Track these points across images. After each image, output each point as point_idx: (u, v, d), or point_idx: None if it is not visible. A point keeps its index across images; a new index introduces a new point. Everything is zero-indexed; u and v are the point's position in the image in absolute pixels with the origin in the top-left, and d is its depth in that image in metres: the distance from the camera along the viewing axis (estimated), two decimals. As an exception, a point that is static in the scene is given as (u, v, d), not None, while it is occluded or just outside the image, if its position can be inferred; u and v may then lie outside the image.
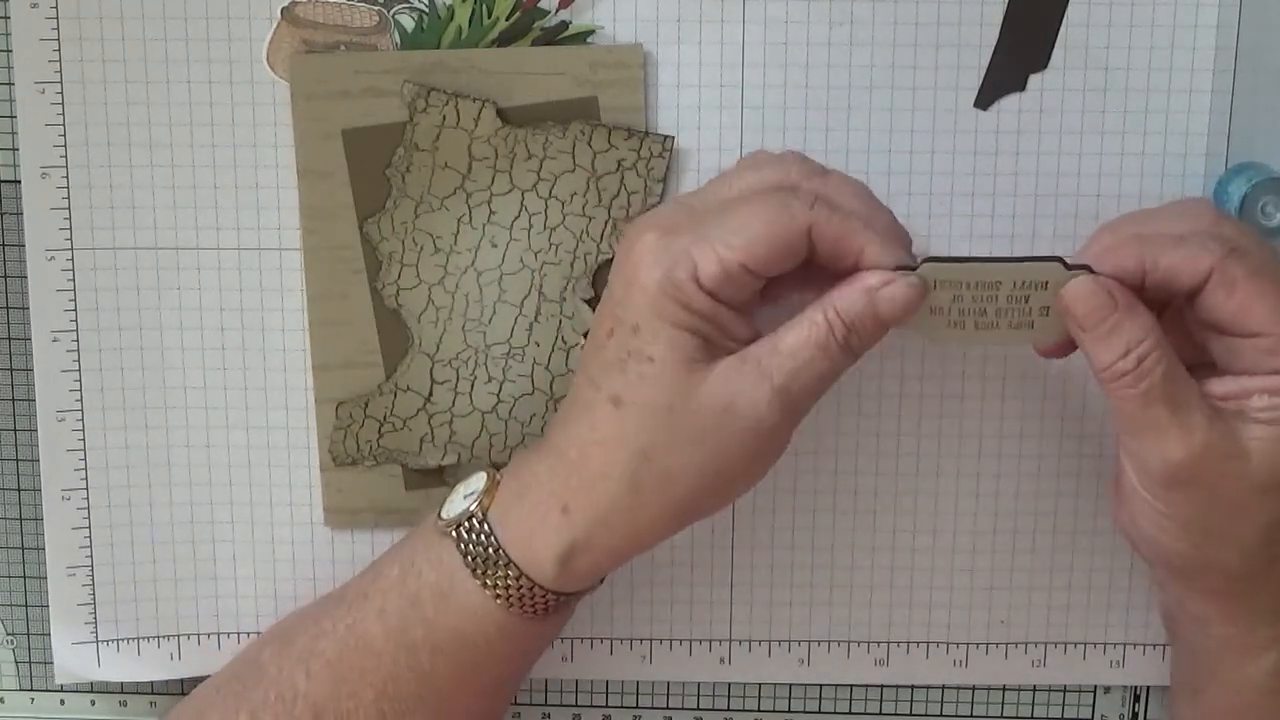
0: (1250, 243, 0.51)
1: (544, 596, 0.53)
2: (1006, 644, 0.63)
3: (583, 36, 0.58)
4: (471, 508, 0.54)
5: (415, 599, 0.54)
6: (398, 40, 0.58)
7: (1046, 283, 0.51)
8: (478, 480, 0.55)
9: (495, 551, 0.53)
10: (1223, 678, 0.56)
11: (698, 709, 0.65)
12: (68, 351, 0.61)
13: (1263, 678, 0.55)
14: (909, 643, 0.63)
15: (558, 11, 0.58)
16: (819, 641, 0.63)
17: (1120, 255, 0.51)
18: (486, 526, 0.53)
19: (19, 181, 0.60)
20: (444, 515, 0.55)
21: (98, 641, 0.63)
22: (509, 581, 0.53)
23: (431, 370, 0.60)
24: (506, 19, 0.58)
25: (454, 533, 0.54)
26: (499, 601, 0.53)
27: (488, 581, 0.53)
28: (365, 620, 0.55)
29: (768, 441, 0.51)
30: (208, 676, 0.61)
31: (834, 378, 0.51)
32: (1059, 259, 0.51)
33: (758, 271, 0.50)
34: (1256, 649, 0.54)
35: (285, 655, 0.56)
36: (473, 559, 0.53)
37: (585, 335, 0.60)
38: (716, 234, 0.50)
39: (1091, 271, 0.51)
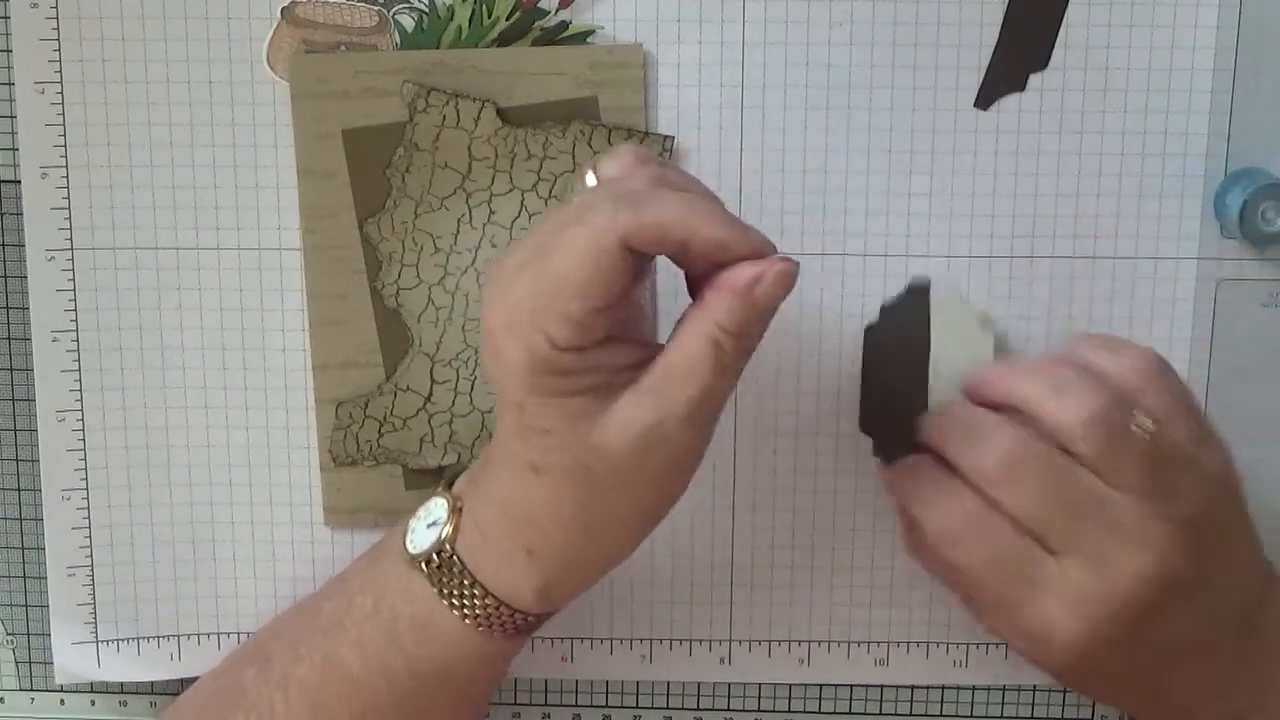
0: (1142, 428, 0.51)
1: (524, 618, 0.53)
2: (1007, 644, 0.63)
3: (583, 36, 0.58)
4: (442, 537, 0.52)
5: (392, 631, 0.53)
6: (398, 40, 0.58)
7: None
8: (438, 508, 0.53)
9: (470, 585, 0.52)
10: None
11: (698, 709, 0.65)
12: (68, 351, 0.61)
13: None
14: (909, 643, 0.63)
15: (558, 11, 0.58)
16: (819, 641, 0.63)
17: (999, 388, 0.54)
18: (457, 561, 0.52)
19: (19, 181, 0.60)
20: (411, 547, 0.53)
21: (98, 641, 0.63)
22: (488, 610, 0.52)
23: (431, 370, 0.60)
24: (506, 19, 0.58)
25: (424, 567, 0.53)
26: (480, 629, 0.53)
27: (465, 611, 0.52)
28: (341, 649, 0.54)
29: (692, 455, 0.50)
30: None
31: (738, 377, 0.50)
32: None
33: (608, 305, 0.47)
34: None
35: (265, 679, 0.55)
36: (448, 591, 0.52)
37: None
38: (548, 290, 0.47)
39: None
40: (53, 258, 0.60)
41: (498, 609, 0.52)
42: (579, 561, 0.52)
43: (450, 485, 0.54)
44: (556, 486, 0.50)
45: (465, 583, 0.52)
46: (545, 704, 0.65)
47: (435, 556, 0.53)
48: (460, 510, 0.53)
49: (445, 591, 0.52)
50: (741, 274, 0.48)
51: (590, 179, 0.50)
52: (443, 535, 0.52)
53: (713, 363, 0.48)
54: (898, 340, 0.59)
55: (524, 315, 0.47)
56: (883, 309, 0.59)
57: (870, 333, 0.60)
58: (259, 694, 0.55)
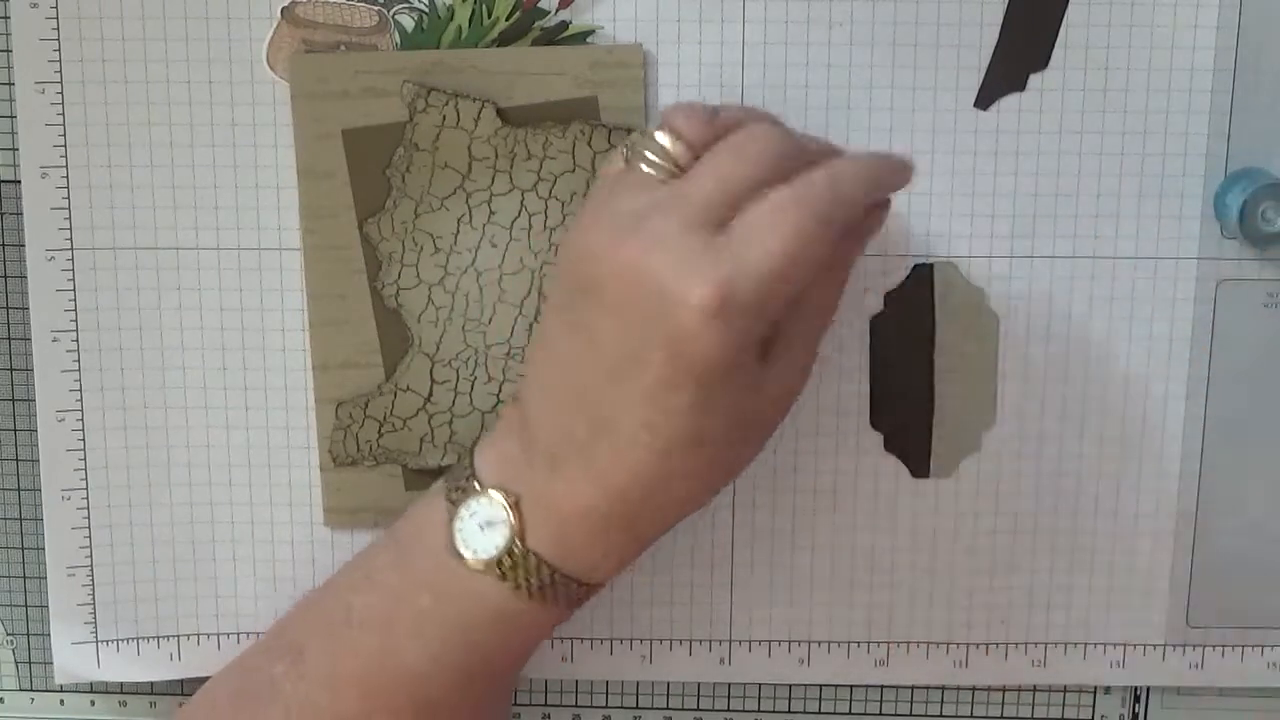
0: None
1: (596, 590, 0.54)
2: (1006, 644, 0.63)
3: (583, 36, 0.58)
4: (512, 547, 0.52)
5: (460, 628, 0.53)
6: (398, 40, 0.58)
7: None
8: (490, 507, 0.52)
9: (551, 574, 0.52)
10: None
11: (698, 709, 0.65)
12: (68, 351, 0.61)
13: None
14: (909, 643, 0.63)
15: (558, 11, 0.58)
16: (819, 642, 0.63)
17: None
18: (534, 558, 0.52)
19: (19, 181, 0.60)
20: (468, 551, 0.52)
21: (98, 641, 0.63)
22: (569, 592, 0.53)
23: (431, 370, 0.60)
24: (506, 19, 0.58)
25: (499, 570, 0.52)
26: (558, 608, 0.53)
27: (546, 596, 0.52)
28: (400, 645, 0.54)
29: None
30: (207, 677, 0.61)
31: None
32: None
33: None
34: None
35: (299, 673, 0.55)
36: (529, 588, 0.52)
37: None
38: (771, 273, 0.47)
39: None
40: (53, 258, 0.60)
41: (579, 589, 0.53)
42: (676, 522, 0.53)
43: (471, 480, 0.53)
44: (712, 457, 0.50)
45: (545, 572, 0.52)
46: (545, 704, 0.65)
47: (508, 558, 0.52)
48: (517, 504, 0.52)
49: (523, 584, 0.52)
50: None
51: (662, 137, 0.50)
52: (511, 535, 0.52)
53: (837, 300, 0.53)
54: (903, 327, 0.60)
55: (746, 298, 0.47)
56: (887, 297, 0.60)
57: (876, 323, 0.60)
58: (294, 689, 0.55)
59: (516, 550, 0.52)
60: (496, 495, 0.53)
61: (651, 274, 0.47)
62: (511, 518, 0.52)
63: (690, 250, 0.47)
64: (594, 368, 0.50)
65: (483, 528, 0.52)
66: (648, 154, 0.50)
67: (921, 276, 0.59)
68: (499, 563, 0.52)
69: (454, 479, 0.54)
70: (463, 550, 0.53)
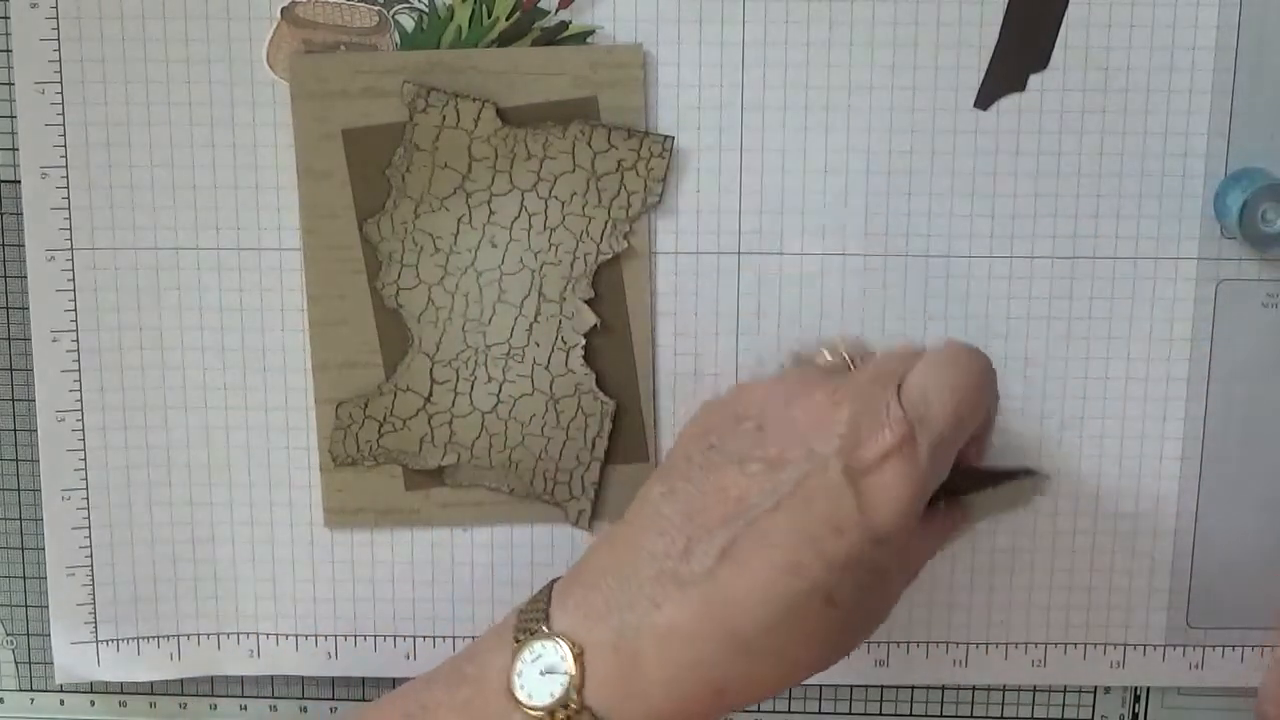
0: None
1: None
2: (1006, 644, 0.63)
3: (583, 36, 0.58)
4: (569, 700, 0.49)
5: None
6: (398, 40, 0.58)
7: None
8: (551, 651, 0.50)
9: None
10: None
11: (698, 709, 0.65)
12: (68, 351, 0.61)
13: None
14: (909, 643, 0.63)
15: (558, 11, 0.58)
16: (819, 641, 0.63)
17: None
18: (589, 713, 0.49)
19: (19, 181, 0.60)
20: (523, 695, 0.49)
21: (97, 641, 0.63)
22: None
23: (431, 370, 0.61)
24: (506, 19, 0.58)
25: (550, 716, 0.49)
26: None
27: None
28: None
29: None
30: (207, 677, 0.61)
31: None
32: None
33: None
34: None
35: None
36: None
37: (585, 336, 0.60)
38: (933, 417, 0.50)
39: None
40: (53, 258, 0.60)
41: None
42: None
43: (542, 622, 0.51)
44: (846, 617, 0.50)
45: None
46: (545, 704, 0.65)
47: (562, 710, 0.49)
48: (582, 654, 0.50)
49: None
50: None
51: (828, 348, 0.55)
52: (569, 687, 0.49)
53: None
54: None
55: (923, 448, 0.50)
56: None
57: None
58: None
59: (572, 704, 0.49)
60: (562, 643, 0.50)
61: (842, 415, 0.50)
62: (573, 668, 0.49)
63: (878, 399, 0.50)
64: (746, 499, 0.50)
65: (543, 674, 0.50)
66: (825, 353, 0.55)
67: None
68: (552, 713, 0.49)
69: (529, 611, 0.52)
70: (519, 694, 0.50)
